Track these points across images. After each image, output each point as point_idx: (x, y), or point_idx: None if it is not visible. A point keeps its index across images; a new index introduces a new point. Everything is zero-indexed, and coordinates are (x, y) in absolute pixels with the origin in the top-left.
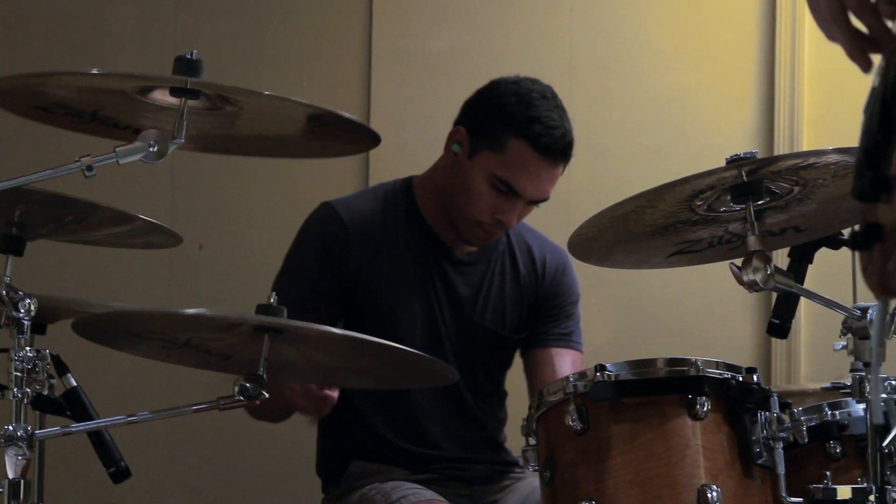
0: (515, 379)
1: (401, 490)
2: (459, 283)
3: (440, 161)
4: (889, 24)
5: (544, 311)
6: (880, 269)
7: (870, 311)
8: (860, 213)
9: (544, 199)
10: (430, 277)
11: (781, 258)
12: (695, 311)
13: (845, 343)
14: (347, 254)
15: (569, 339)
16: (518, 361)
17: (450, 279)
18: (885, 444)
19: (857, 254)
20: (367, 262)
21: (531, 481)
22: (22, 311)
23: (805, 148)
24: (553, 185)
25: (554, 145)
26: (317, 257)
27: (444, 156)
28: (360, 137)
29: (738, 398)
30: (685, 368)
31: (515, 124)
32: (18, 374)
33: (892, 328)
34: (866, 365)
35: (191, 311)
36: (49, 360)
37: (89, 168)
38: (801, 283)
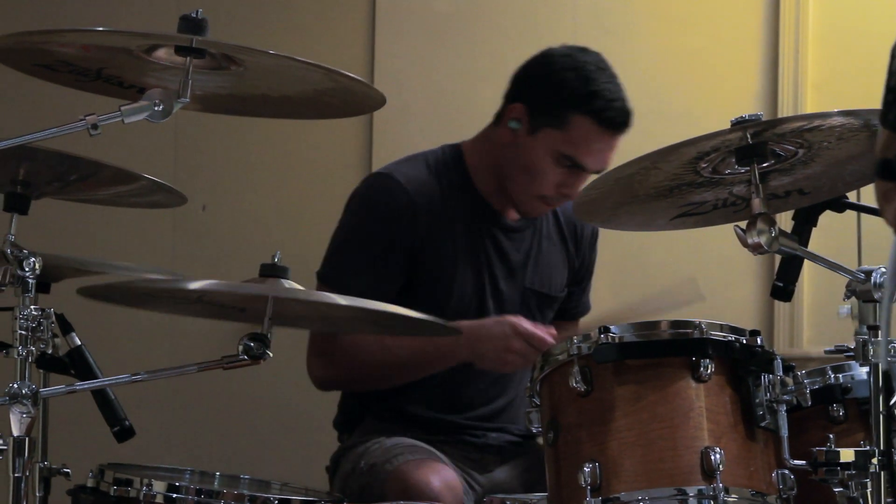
0: None
1: (400, 446)
2: (510, 249)
3: (492, 134)
4: None
5: (578, 276)
6: None
7: (874, 273)
8: (887, 144)
9: (606, 169)
10: (483, 245)
11: (786, 221)
12: (698, 274)
13: (849, 307)
14: (415, 224)
15: (587, 305)
16: None
17: (502, 246)
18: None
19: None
20: (428, 233)
21: (535, 451)
22: (27, 269)
23: (809, 111)
24: (613, 154)
25: (617, 118)
26: (385, 231)
27: (497, 131)
28: (364, 98)
29: (742, 360)
30: (689, 331)
31: (577, 100)
32: (23, 332)
33: None
34: (870, 328)
35: (195, 284)
36: (54, 318)
37: (94, 126)
38: (806, 245)
